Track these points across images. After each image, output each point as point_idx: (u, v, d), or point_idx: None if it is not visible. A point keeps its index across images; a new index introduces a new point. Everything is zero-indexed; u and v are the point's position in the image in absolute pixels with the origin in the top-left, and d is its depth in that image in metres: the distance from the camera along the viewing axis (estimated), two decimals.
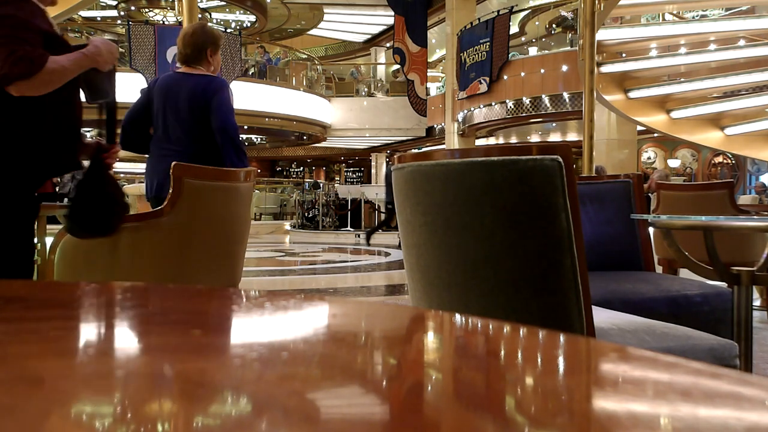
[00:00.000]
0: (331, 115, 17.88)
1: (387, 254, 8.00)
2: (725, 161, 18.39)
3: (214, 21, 19.89)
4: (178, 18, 16.40)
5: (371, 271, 6.77)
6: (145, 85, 3.23)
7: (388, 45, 21.15)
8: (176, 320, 0.50)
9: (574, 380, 0.36)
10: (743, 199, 11.66)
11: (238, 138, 2.77)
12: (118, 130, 2.20)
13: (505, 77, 13.46)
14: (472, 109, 14.30)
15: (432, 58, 20.07)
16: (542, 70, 13.07)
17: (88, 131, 18.73)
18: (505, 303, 1.26)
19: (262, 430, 0.26)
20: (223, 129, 2.67)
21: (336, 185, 19.77)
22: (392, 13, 15.79)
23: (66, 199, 2.01)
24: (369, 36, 23.53)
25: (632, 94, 10.52)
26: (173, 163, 2.18)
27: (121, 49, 15.67)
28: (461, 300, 1.32)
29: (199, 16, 4.84)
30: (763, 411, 0.30)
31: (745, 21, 10.14)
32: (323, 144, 19.59)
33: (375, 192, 13.30)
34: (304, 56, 19.39)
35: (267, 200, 17.80)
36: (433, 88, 18.59)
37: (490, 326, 0.48)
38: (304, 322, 0.51)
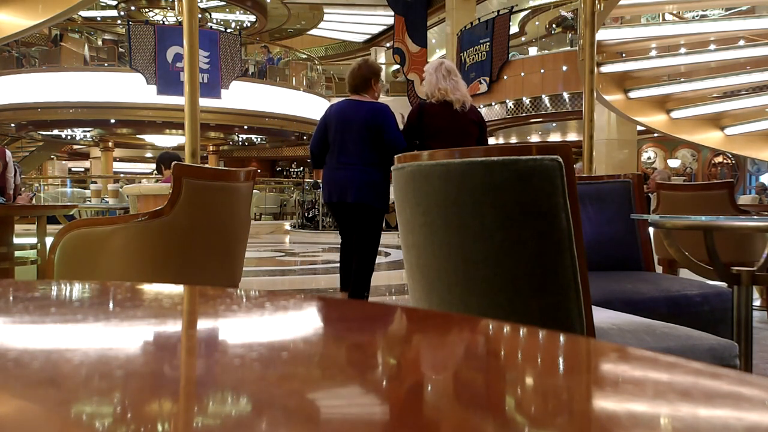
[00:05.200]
0: None
1: (387, 254, 8.00)
2: (725, 161, 18.39)
3: (214, 21, 19.90)
4: (178, 18, 16.39)
5: None
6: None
7: (388, 45, 21.15)
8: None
9: (574, 380, 0.36)
10: (743, 199, 11.66)
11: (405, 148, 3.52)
12: None
13: (505, 77, 13.47)
14: None
15: (432, 58, 20.05)
16: (542, 70, 13.07)
17: (88, 131, 18.44)
18: (505, 303, 1.26)
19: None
20: (395, 146, 3.42)
21: None
22: (392, 13, 15.79)
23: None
24: (369, 36, 23.53)
25: (632, 94, 10.53)
26: (174, 163, 2.20)
27: (121, 49, 15.70)
28: (461, 300, 1.32)
29: (199, 16, 4.84)
30: (763, 411, 0.30)
31: (745, 21, 10.15)
32: None
33: None
34: (304, 56, 19.40)
35: (267, 200, 17.79)
36: None
37: (490, 326, 0.48)
38: (304, 323, 0.51)
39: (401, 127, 3.67)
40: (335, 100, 17.57)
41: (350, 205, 3.55)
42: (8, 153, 7.59)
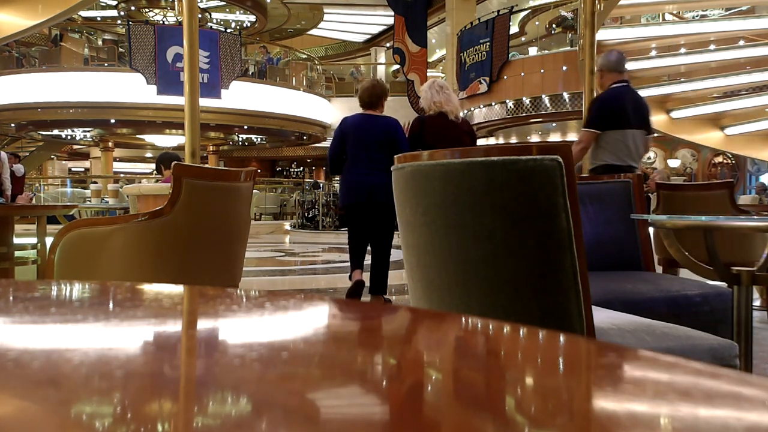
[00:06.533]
0: (331, 115, 17.89)
1: None
2: (725, 161, 18.39)
3: (214, 21, 19.89)
4: (178, 18, 16.39)
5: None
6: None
7: (388, 45, 21.14)
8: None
9: (574, 380, 0.36)
10: (743, 199, 11.66)
11: None
12: None
13: (505, 77, 13.46)
14: (472, 109, 14.30)
15: (432, 58, 20.06)
16: (542, 70, 13.06)
17: (88, 131, 18.42)
18: (505, 303, 1.26)
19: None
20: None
21: (336, 185, 19.75)
22: (392, 13, 15.78)
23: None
24: (369, 36, 23.52)
25: None
26: (174, 163, 2.21)
27: (121, 49, 15.70)
28: (461, 300, 1.32)
29: (199, 16, 4.85)
30: (763, 411, 0.30)
31: (745, 21, 10.15)
32: (323, 144, 19.60)
33: None
34: (304, 56, 19.39)
35: (267, 200, 17.79)
36: None
37: (490, 326, 0.48)
38: (304, 323, 0.51)
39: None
40: (335, 100, 17.42)
41: (380, 204, 4.07)
42: (3, 155, 7.57)
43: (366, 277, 4.37)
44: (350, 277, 4.36)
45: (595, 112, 3.96)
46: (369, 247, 4.36)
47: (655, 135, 16.56)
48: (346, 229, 4.48)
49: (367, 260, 4.41)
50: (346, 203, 4.26)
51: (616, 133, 3.82)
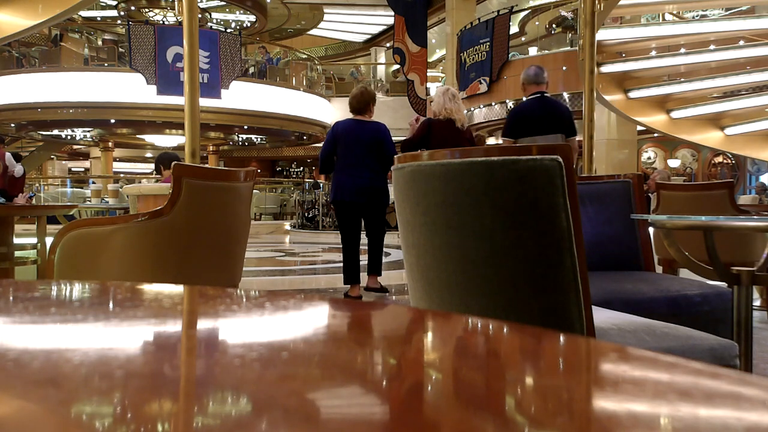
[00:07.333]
0: (331, 115, 17.88)
1: (387, 254, 8.00)
2: (725, 161, 18.39)
3: (214, 21, 19.88)
4: (178, 18, 16.38)
5: None
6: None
7: (388, 45, 21.14)
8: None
9: (574, 380, 0.36)
10: (743, 199, 11.66)
11: None
12: None
13: (505, 77, 13.44)
14: (472, 109, 14.29)
15: (432, 58, 20.05)
16: None
17: (88, 131, 18.40)
18: (505, 303, 1.26)
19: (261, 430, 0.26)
20: (393, 156, 3.97)
21: None
22: (392, 13, 15.77)
23: None
24: (369, 36, 23.52)
25: (632, 94, 10.52)
26: (174, 163, 2.21)
27: (121, 49, 15.69)
28: (461, 300, 1.32)
29: (199, 16, 4.86)
30: (763, 411, 0.30)
31: (745, 21, 10.14)
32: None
33: None
34: (304, 56, 19.38)
35: (267, 200, 17.78)
36: (433, 88, 18.57)
37: (490, 326, 0.48)
38: (304, 323, 0.51)
39: (408, 135, 4.64)
40: (335, 100, 17.47)
41: (361, 204, 4.49)
42: (8, 155, 7.54)
43: (363, 279, 4.52)
44: (346, 294, 4.51)
45: (506, 122, 4.62)
46: (365, 246, 4.59)
47: (655, 135, 16.51)
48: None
49: (364, 260, 4.50)
50: (332, 200, 4.64)
51: (524, 140, 4.32)
